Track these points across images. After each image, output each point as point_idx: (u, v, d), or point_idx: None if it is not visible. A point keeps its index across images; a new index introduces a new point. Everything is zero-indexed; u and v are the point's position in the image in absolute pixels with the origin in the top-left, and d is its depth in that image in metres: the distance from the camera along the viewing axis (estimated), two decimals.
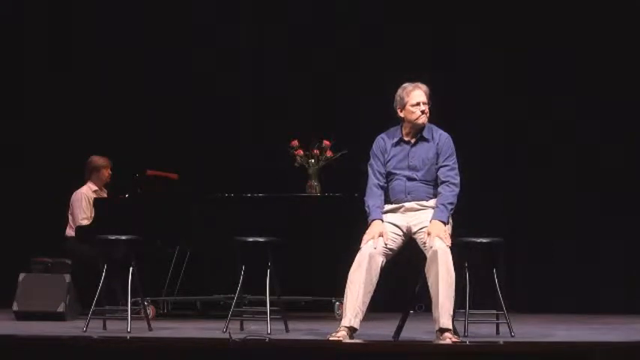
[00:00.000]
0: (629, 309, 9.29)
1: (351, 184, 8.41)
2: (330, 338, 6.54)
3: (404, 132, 6.91)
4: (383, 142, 6.93)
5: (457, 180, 6.82)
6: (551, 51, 9.82)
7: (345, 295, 6.66)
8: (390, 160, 6.87)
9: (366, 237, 6.71)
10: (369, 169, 6.92)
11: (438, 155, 6.83)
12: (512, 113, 9.89)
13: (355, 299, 6.59)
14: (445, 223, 6.69)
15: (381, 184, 6.87)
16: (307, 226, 8.48)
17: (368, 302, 6.63)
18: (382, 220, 6.76)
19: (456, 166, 6.84)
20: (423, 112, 6.84)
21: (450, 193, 6.76)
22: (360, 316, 6.61)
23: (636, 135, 9.67)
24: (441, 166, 6.82)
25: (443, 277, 6.52)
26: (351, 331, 6.59)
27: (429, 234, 6.63)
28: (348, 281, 6.64)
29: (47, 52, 10.42)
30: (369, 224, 6.77)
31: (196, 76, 10.28)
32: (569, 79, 9.77)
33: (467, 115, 9.52)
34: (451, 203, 6.75)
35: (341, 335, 6.55)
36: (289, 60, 10.23)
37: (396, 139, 6.91)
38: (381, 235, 6.68)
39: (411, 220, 6.78)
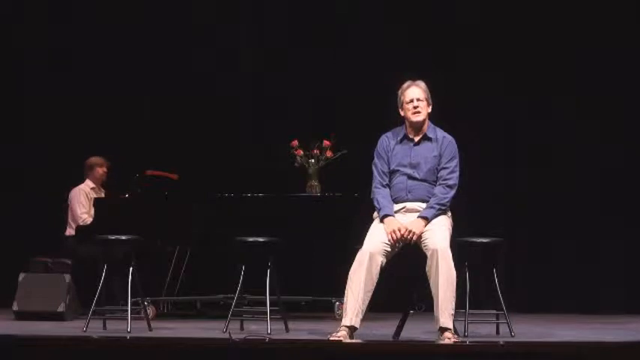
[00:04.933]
0: (629, 309, 9.29)
1: (351, 184, 8.42)
2: (331, 338, 6.54)
3: (408, 130, 6.94)
4: (387, 141, 6.97)
5: (454, 182, 6.85)
6: (551, 51, 9.81)
7: (345, 295, 6.67)
8: (393, 157, 6.89)
9: (386, 231, 6.71)
10: (374, 168, 6.96)
11: (440, 156, 6.86)
12: (512, 113, 9.89)
13: (356, 299, 6.61)
14: (428, 221, 6.72)
15: (384, 183, 6.90)
16: (307, 226, 8.48)
17: (368, 301, 6.65)
18: (394, 216, 6.79)
19: (457, 169, 6.88)
20: (415, 108, 6.86)
21: (442, 194, 6.81)
22: (361, 316, 6.63)
23: (636, 135, 9.67)
24: (443, 168, 6.86)
25: (443, 277, 6.54)
26: (352, 330, 6.61)
27: (408, 231, 6.67)
28: (349, 280, 6.66)
29: (47, 52, 10.41)
30: (382, 220, 6.79)
31: (196, 76, 10.28)
32: (569, 79, 9.77)
33: (467, 115, 9.51)
34: (442, 204, 6.79)
35: (341, 335, 6.56)
36: (289, 60, 10.22)
37: (400, 137, 6.94)
38: (399, 231, 6.68)
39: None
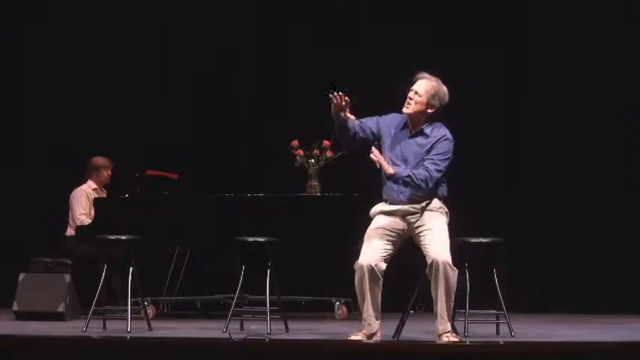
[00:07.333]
0: (629, 309, 9.30)
1: (351, 184, 8.42)
2: (352, 337, 6.56)
3: (408, 120, 6.78)
4: (390, 120, 6.81)
5: (435, 175, 6.56)
6: (552, 51, 9.81)
7: (359, 303, 6.68)
8: (389, 139, 6.75)
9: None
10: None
11: (429, 151, 6.66)
12: (512, 113, 9.89)
13: (367, 308, 6.60)
14: (393, 176, 6.56)
15: (358, 122, 6.82)
16: (307, 226, 8.47)
17: (379, 302, 6.61)
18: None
19: (442, 166, 6.60)
20: (409, 100, 6.73)
21: (420, 175, 6.55)
22: (379, 320, 6.63)
23: (636, 135, 9.67)
24: (427, 158, 6.63)
25: (442, 290, 6.48)
26: (372, 335, 6.63)
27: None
28: (357, 291, 6.63)
29: (47, 51, 10.41)
30: None
31: (196, 76, 10.27)
32: (569, 79, 9.77)
33: (467, 115, 9.51)
34: (414, 177, 6.53)
35: (361, 335, 6.58)
36: (290, 60, 10.22)
37: (402, 125, 6.78)
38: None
39: (411, 223, 6.65)
